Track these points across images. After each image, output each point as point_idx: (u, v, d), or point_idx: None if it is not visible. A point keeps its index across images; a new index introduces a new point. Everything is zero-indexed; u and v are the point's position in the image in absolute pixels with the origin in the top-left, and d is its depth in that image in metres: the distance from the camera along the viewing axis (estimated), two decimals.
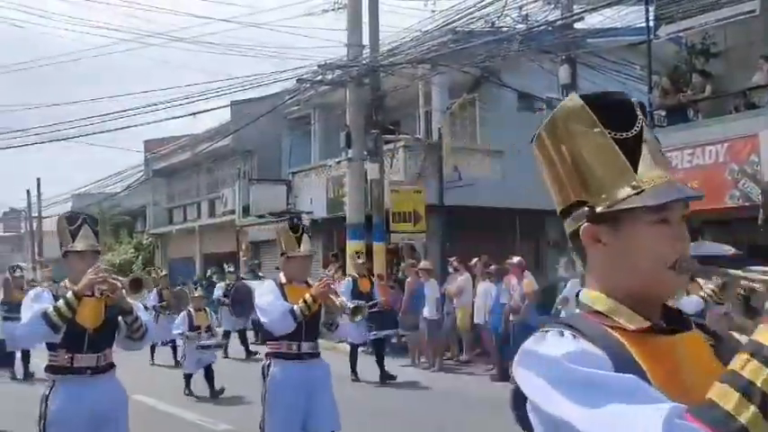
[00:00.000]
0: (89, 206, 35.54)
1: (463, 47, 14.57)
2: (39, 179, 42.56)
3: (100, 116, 26.83)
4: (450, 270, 13.53)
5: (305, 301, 4.47)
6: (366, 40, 16.01)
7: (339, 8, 16.13)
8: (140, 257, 29.91)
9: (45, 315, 3.62)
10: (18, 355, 11.76)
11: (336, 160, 17.91)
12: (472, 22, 14.16)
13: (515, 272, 10.73)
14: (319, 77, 16.87)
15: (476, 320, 11.64)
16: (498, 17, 13.92)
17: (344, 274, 15.94)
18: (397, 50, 15.55)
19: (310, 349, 4.68)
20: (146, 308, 13.00)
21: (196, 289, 13.88)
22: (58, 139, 19.91)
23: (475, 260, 12.54)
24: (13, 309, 10.94)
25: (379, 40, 15.97)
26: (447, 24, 14.47)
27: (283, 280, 4.74)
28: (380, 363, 10.98)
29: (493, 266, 11.36)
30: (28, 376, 11.45)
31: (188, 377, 10.39)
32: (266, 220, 20.66)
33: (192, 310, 10.49)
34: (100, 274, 3.73)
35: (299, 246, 4.72)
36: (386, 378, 10.90)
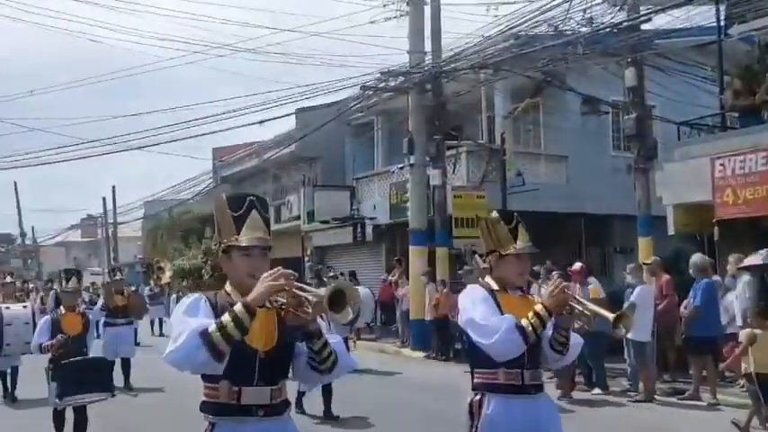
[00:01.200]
0: (161, 212, 36.80)
1: (526, 51, 14.46)
2: (114, 187, 44.22)
3: (171, 125, 27.69)
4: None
5: (537, 315, 3.36)
6: (428, 47, 16.07)
7: (401, 15, 16.22)
8: (209, 263, 30.63)
9: (205, 336, 2.55)
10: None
11: (399, 166, 18.01)
12: (535, 27, 14.04)
13: (577, 278, 10.56)
14: (382, 84, 17.00)
15: None
16: (562, 21, 13.76)
17: (407, 278, 16.02)
18: (459, 56, 15.54)
19: (534, 380, 3.54)
20: None
21: None
22: (131, 149, 20.66)
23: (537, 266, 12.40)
24: (114, 314, 10.98)
25: (441, 47, 16.01)
26: (509, 29, 14.39)
27: (495, 286, 3.63)
28: None
29: (555, 272, 11.21)
30: (11, 398, 10.60)
31: (301, 395, 8.42)
32: (330, 225, 20.92)
33: None
34: (280, 280, 2.66)
35: (516, 240, 3.67)
36: None
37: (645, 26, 13.74)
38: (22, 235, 50.12)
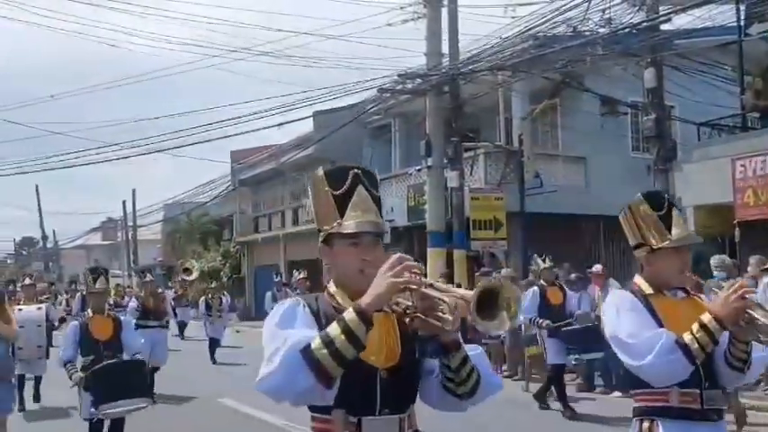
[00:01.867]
0: (180, 215, 37.06)
1: (544, 52, 14.42)
2: (134, 190, 44.61)
3: (189, 129, 27.91)
4: (532, 278, 13.38)
5: (704, 328, 2.66)
6: (445, 49, 16.07)
7: (419, 18, 16.24)
8: (228, 265, 30.82)
9: (308, 354, 1.95)
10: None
11: (417, 168, 18.01)
12: (554, 27, 13.99)
13: (597, 281, 10.51)
14: (399, 86, 17.03)
15: None
16: (580, 21, 13.71)
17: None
18: (477, 58, 15.52)
19: (716, 403, 2.83)
20: None
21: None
22: (151, 152, 20.84)
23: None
24: (147, 316, 10.62)
25: (459, 48, 16.00)
26: (528, 30, 14.36)
27: (647, 289, 2.97)
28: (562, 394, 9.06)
29: (574, 275, 11.17)
30: (36, 401, 10.35)
31: None
32: None
33: None
34: (404, 275, 2.01)
35: (671, 229, 3.01)
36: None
37: (664, 26, 13.65)
38: (44, 238, 50.71)
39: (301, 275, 14.74)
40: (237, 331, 21.70)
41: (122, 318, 6.94)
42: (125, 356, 6.39)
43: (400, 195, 19.45)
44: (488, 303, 1.93)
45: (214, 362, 15.05)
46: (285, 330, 2.05)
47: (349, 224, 2.17)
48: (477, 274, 14.91)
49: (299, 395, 2.01)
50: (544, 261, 9.52)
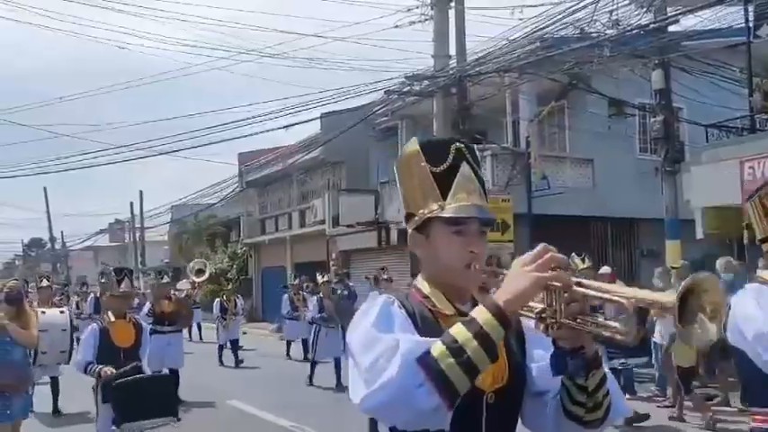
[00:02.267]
0: (187, 217, 37.16)
1: (551, 54, 14.40)
2: (141, 191, 44.73)
3: (197, 131, 28.00)
4: None
5: None
6: (453, 51, 16.06)
7: (426, 20, 16.24)
8: (235, 266, 30.88)
9: (427, 363, 1.55)
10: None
11: None
12: (561, 29, 13.97)
13: (606, 281, 10.47)
14: (407, 88, 17.03)
15: None
16: (588, 23, 13.69)
17: None
18: (484, 59, 15.52)
19: None
20: (311, 321, 12.54)
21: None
22: (158, 154, 20.91)
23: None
24: (161, 320, 10.03)
25: (466, 50, 15.99)
26: (535, 32, 14.34)
27: None
28: None
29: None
30: (54, 411, 9.91)
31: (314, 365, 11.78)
32: (355, 229, 20.96)
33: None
34: (547, 271, 1.62)
35: None
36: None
37: (672, 28, 13.63)
38: (52, 240, 50.91)
39: (385, 275, 13.84)
40: (244, 333, 21.71)
41: (143, 323, 6.46)
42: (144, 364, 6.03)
43: None
44: (687, 306, 1.50)
45: (238, 364, 14.94)
46: (387, 334, 1.62)
47: (453, 208, 1.79)
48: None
49: (416, 416, 1.55)
50: (583, 261, 8.96)
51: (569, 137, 18.04)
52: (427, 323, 1.72)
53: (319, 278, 13.07)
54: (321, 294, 12.35)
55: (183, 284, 34.25)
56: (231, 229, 34.20)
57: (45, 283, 11.24)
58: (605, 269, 10.89)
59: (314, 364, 11.82)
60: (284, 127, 21.53)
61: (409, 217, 1.88)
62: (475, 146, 1.95)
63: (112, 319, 6.02)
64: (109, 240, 54.26)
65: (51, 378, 9.82)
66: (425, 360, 1.52)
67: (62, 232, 52.87)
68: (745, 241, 11.61)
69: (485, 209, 1.86)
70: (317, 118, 22.17)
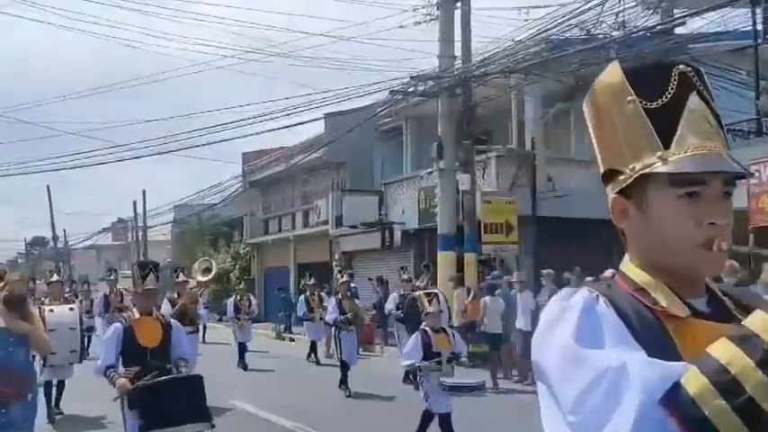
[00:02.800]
0: (189, 216, 37.14)
1: (557, 55, 14.35)
2: (144, 191, 44.68)
3: (200, 130, 28.00)
4: (544, 283, 13.29)
5: None
6: (458, 51, 16.02)
7: (431, 20, 16.20)
8: (238, 266, 30.85)
9: (680, 405, 0.98)
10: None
11: (428, 171, 17.96)
12: (567, 30, 13.92)
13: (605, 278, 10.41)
14: (411, 89, 16.99)
15: None
16: (594, 24, 13.63)
17: (435, 284, 15.93)
18: (489, 60, 15.46)
19: None
20: (327, 323, 12.18)
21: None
22: (162, 153, 20.88)
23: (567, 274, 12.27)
24: (181, 320, 8.44)
25: (471, 51, 15.95)
26: (541, 33, 14.29)
27: None
28: None
29: (587, 279, 11.07)
30: (50, 417, 8.91)
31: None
32: (358, 230, 20.92)
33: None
34: None
35: None
36: None
37: (679, 30, 13.57)
38: (55, 238, 50.93)
39: (405, 276, 13.40)
40: None
41: (171, 320, 5.86)
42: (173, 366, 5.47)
43: (411, 198, 19.40)
44: None
45: (245, 368, 14.21)
46: (598, 350, 1.09)
47: (682, 160, 1.19)
48: (487, 278, 14.85)
49: None
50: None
51: (575, 138, 17.97)
52: (648, 329, 1.15)
53: (338, 277, 12.43)
54: (339, 295, 11.82)
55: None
56: (234, 229, 34.18)
57: (55, 277, 10.60)
58: (609, 272, 10.82)
59: (345, 366, 11.06)
60: (286, 126, 21.50)
61: (610, 175, 1.31)
62: (700, 70, 1.34)
63: (137, 316, 5.46)
64: (111, 239, 54.30)
65: (59, 381, 9.18)
66: (675, 401, 0.98)
67: (65, 231, 52.90)
68: (751, 245, 11.54)
69: (728, 160, 1.22)
70: (320, 118, 22.16)
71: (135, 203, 44.65)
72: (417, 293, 9.23)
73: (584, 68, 14.65)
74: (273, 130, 47.88)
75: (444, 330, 7.34)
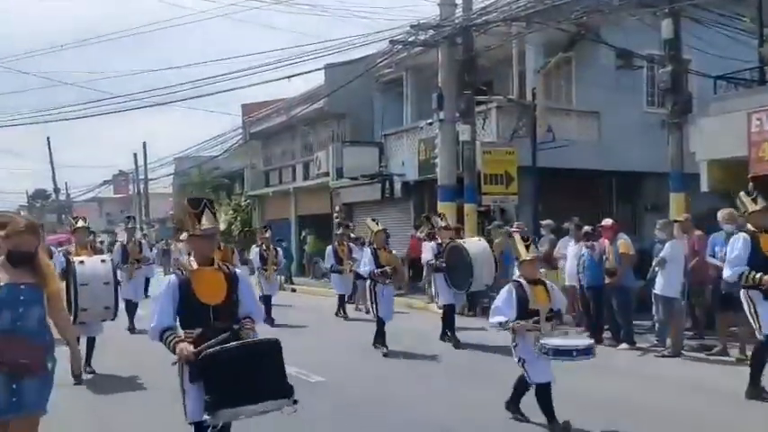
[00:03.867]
0: (190, 169, 37.13)
1: (559, 3, 14.13)
2: (144, 143, 44.66)
3: (200, 80, 27.76)
4: (543, 233, 13.36)
5: None
6: None
7: None
8: (239, 219, 30.95)
9: None
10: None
11: (428, 122, 17.88)
12: None
13: (608, 234, 10.49)
14: (412, 38, 16.79)
15: (567, 283, 11.49)
16: None
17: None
18: (491, 8, 15.26)
19: None
20: (361, 276, 10.78)
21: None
22: (161, 103, 20.79)
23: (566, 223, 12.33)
24: None
25: None
26: None
27: None
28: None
29: (584, 228, 11.15)
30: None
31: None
32: (359, 182, 20.94)
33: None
34: None
35: None
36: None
37: None
38: (56, 191, 51.02)
39: (443, 223, 11.47)
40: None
41: (237, 271, 4.63)
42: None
43: (411, 149, 19.36)
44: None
45: (272, 322, 12.22)
46: None
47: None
48: (487, 227, 14.92)
49: None
50: (755, 201, 7.32)
51: (576, 89, 17.84)
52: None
53: (373, 225, 10.57)
54: (375, 245, 10.32)
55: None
56: (235, 182, 34.20)
57: (81, 223, 9.33)
58: (607, 221, 10.88)
59: (381, 322, 10.07)
60: (287, 77, 21.30)
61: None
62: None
63: (195, 266, 4.37)
64: (113, 192, 54.33)
65: (88, 339, 8.49)
66: None
67: (66, 183, 53.01)
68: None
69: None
70: (320, 69, 21.96)
71: (135, 156, 44.65)
72: (511, 234, 8.05)
73: (585, 16, 14.48)
74: (273, 80, 47.30)
75: (542, 283, 6.15)
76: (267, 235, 14.58)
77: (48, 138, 48.36)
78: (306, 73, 29.19)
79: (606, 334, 10.63)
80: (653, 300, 9.95)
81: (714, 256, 9.44)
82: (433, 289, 12.49)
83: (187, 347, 4.10)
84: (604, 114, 17.43)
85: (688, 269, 9.89)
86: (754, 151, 11.39)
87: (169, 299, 4.29)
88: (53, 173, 49.45)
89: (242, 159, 31.93)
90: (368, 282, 10.29)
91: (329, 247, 15.47)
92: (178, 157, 39.35)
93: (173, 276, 4.40)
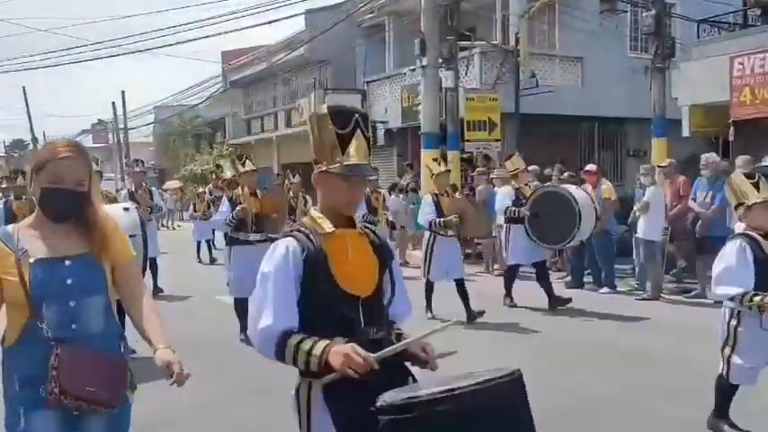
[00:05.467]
0: (170, 117, 36.68)
1: None
2: (123, 92, 43.96)
3: (178, 26, 27.19)
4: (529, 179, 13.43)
5: None
6: None
7: None
8: (221, 168, 30.74)
9: None
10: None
11: (411, 68, 17.71)
12: None
13: (591, 179, 10.58)
14: None
15: None
16: None
17: (419, 182, 16.05)
18: None
19: None
20: (421, 227, 8.54)
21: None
22: (138, 51, 20.37)
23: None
24: (244, 227, 7.36)
25: None
26: None
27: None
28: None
29: (567, 173, 11.23)
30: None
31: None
32: None
33: None
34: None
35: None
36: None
37: None
38: (34, 140, 50.29)
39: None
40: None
41: (382, 237, 2.68)
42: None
43: (394, 96, 19.24)
44: None
45: None
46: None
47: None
48: (471, 174, 14.97)
49: None
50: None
51: (559, 35, 17.72)
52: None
53: (435, 166, 8.85)
54: (437, 190, 8.54)
55: (172, 184, 34.05)
56: (216, 131, 33.87)
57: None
58: (590, 167, 10.97)
59: (431, 287, 8.55)
60: (268, 22, 20.87)
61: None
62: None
63: (328, 228, 2.36)
64: (92, 141, 53.66)
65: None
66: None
67: (44, 133, 52.18)
68: (731, 138, 11.67)
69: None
70: (301, 14, 21.59)
71: (114, 104, 43.94)
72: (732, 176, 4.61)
73: None
74: (253, 26, 46.41)
75: None
76: (296, 180, 11.90)
77: (23, 87, 47.49)
78: (286, 18, 28.67)
79: (587, 278, 10.83)
80: (634, 244, 10.12)
81: (695, 200, 9.60)
82: (501, 244, 10.52)
83: (359, 352, 2.17)
84: (587, 60, 17.37)
85: (670, 214, 10.05)
86: (735, 96, 11.46)
87: (289, 280, 2.35)
88: (30, 123, 48.67)
89: (223, 108, 31.58)
90: (427, 235, 8.58)
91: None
92: (158, 105, 38.80)
93: (290, 241, 2.40)
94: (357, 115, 2.37)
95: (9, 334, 2.54)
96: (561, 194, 8.93)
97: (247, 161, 7.80)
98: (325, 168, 2.39)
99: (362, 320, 2.36)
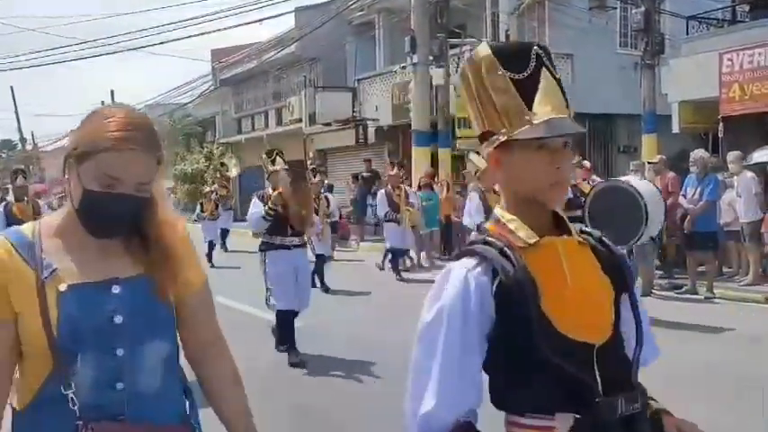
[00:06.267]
0: (160, 116, 36.52)
1: None
2: (112, 91, 43.90)
3: (168, 24, 27.12)
4: None
5: None
6: None
7: None
8: (211, 167, 30.65)
9: None
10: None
11: (401, 66, 17.71)
12: None
13: (584, 174, 10.59)
14: None
15: None
16: None
17: (410, 180, 16.05)
18: None
19: None
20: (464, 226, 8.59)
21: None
22: (128, 49, 20.31)
23: None
24: (283, 227, 6.65)
25: None
26: None
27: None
28: None
29: None
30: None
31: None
32: (332, 127, 20.80)
33: None
34: None
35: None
36: None
37: None
38: (22, 140, 50.00)
39: None
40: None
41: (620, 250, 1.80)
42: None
43: (385, 94, 19.22)
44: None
45: (327, 290, 10.68)
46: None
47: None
48: (462, 171, 14.97)
49: None
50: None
51: (549, 31, 17.74)
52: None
53: (478, 161, 8.11)
54: (483, 188, 7.72)
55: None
56: (207, 129, 33.75)
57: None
58: (586, 163, 10.98)
59: None
60: (258, 21, 20.82)
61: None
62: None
63: (531, 238, 1.40)
64: None
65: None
66: None
67: (32, 133, 51.91)
68: (720, 134, 11.72)
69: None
70: (291, 11, 21.54)
71: (103, 104, 43.78)
72: None
73: None
74: (244, 24, 46.27)
75: None
76: (317, 180, 11.09)
77: (11, 87, 47.19)
78: (277, 16, 28.60)
79: None
80: None
81: (686, 196, 9.64)
82: None
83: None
84: (577, 56, 17.39)
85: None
86: (724, 92, 11.50)
87: (469, 334, 1.49)
88: (18, 123, 48.40)
89: (213, 106, 31.47)
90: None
91: (380, 192, 12.63)
92: (148, 104, 38.62)
93: (471, 265, 1.53)
94: (536, 48, 1.54)
95: (21, 395, 1.62)
96: (622, 189, 7.92)
97: (278, 158, 6.90)
98: (505, 138, 1.52)
99: (600, 385, 1.47)
